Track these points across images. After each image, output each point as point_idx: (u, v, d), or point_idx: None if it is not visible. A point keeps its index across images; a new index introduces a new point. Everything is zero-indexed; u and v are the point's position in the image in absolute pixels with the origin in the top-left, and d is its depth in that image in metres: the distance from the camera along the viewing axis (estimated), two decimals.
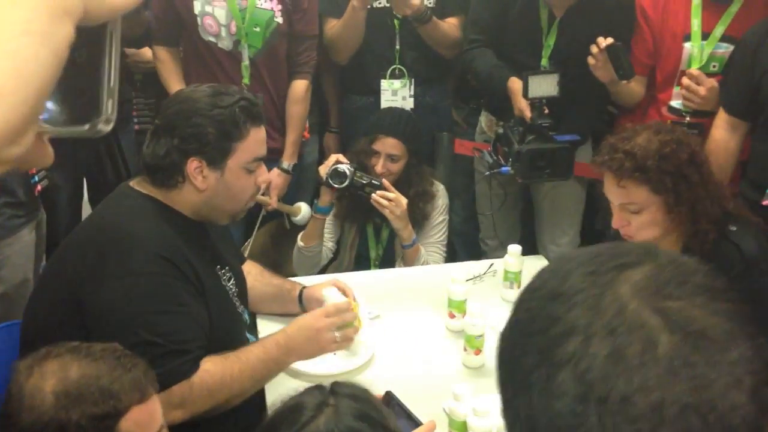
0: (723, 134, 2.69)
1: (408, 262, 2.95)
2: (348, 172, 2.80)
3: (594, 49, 2.75)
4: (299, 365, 2.15)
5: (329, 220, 3.06)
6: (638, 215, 2.11)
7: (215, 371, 1.85)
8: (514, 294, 2.54)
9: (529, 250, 3.21)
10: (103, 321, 1.80)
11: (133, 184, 2.02)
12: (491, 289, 2.65)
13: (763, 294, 2.09)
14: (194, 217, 2.01)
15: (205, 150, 1.92)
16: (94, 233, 1.93)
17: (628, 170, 2.06)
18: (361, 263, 3.10)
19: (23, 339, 1.95)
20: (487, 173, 2.97)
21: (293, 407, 1.29)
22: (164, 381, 1.77)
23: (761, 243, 2.11)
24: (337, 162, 2.83)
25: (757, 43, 2.61)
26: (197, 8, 3.03)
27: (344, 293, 2.33)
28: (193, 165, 1.92)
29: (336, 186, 2.81)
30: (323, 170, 2.85)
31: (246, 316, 2.22)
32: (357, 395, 1.30)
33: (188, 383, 1.81)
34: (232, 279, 2.16)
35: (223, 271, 2.11)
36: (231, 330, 2.08)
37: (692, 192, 2.07)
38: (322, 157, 3.55)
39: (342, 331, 2.05)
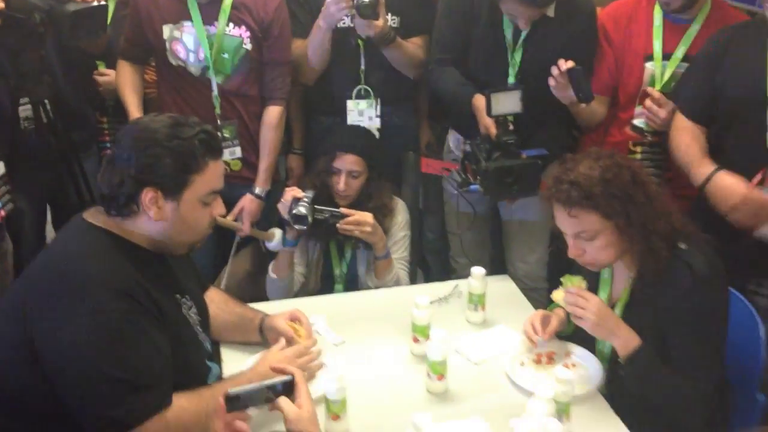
0: (687, 122, 2.69)
1: (380, 275, 2.96)
2: (307, 213, 2.79)
3: (555, 71, 2.77)
4: None
5: None
6: (592, 242, 2.13)
7: (190, 408, 1.84)
8: (478, 316, 2.55)
9: (498, 267, 3.23)
10: (65, 362, 1.77)
11: (87, 216, 1.99)
12: (457, 310, 2.65)
13: (716, 313, 2.12)
14: (150, 248, 1.99)
15: (161, 181, 1.90)
16: (48, 271, 1.89)
17: (576, 199, 2.08)
18: (327, 281, 3.10)
19: None
20: (456, 192, 2.97)
21: None
22: (135, 418, 1.76)
23: (711, 260, 2.13)
24: (294, 200, 2.81)
25: (718, 52, 2.63)
26: (166, 33, 3.04)
27: (301, 324, 2.33)
28: (148, 195, 1.90)
29: (300, 228, 2.82)
30: (282, 209, 2.84)
31: (207, 345, 2.19)
32: None
33: (163, 419, 1.79)
34: (193, 307, 2.14)
35: (183, 299, 2.09)
36: (192, 359, 2.06)
37: (640, 212, 2.09)
38: (287, 178, 3.54)
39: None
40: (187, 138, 1.91)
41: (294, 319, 2.35)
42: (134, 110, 3.13)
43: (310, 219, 2.79)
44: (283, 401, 1.70)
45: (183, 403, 1.84)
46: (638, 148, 2.95)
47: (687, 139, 2.67)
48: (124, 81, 3.18)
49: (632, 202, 2.08)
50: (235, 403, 1.69)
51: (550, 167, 3.06)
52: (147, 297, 1.89)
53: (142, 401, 1.78)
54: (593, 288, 2.32)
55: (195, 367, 2.06)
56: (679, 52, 2.84)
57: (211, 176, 1.96)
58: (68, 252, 1.92)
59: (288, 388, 1.75)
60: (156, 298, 1.92)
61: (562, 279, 2.33)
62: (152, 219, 1.92)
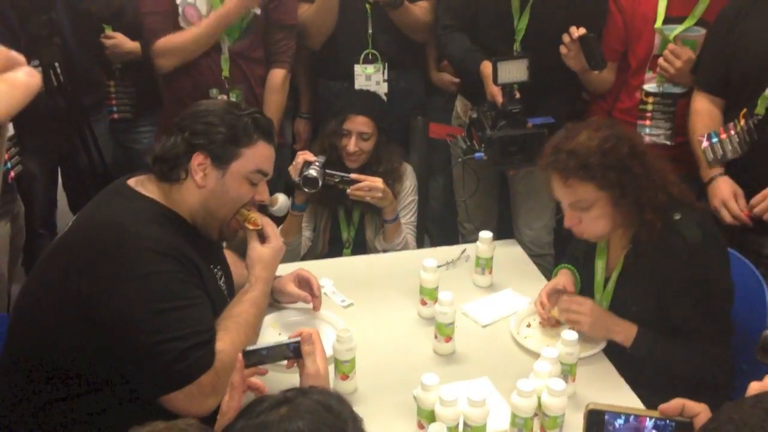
0: (705, 104, 2.73)
1: (389, 238, 2.99)
2: (318, 176, 2.81)
3: (566, 38, 2.77)
4: None
5: None
6: (588, 212, 2.14)
7: (228, 348, 1.87)
8: (485, 280, 2.58)
9: (506, 233, 3.25)
10: (122, 324, 1.80)
11: (132, 183, 2.01)
12: (464, 273, 2.67)
13: (714, 278, 2.14)
14: (191, 222, 2.01)
15: (212, 147, 1.95)
16: (98, 235, 1.89)
17: (572, 169, 2.09)
18: (335, 246, 3.13)
19: (11, 338, 1.95)
20: (461, 159, 2.99)
21: (257, 400, 1.29)
22: (193, 373, 1.80)
23: (705, 229, 2.14)
24: (305, 163, 2.83)
25: (732, 21, 2.64)
26: None
27: (309, 283, 2.36)
28: (197, 159, 1.95)
29: (310, 192, 2.84)
30: (293, 171, 2.86)
31: None
32: (324, 402, 1.26)
33: (214, 371, 1.83)
34: (224, 277, 2.16)
35: (216, 269, 2.12)
36: None
37: (636, 183, 2.10)
38: (294, 142, 3.55)
39: None
40: (241, 115, 1.99)
41: (301, 278, 2.38)
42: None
43: (320, 182, 2.81)
44: (309, 357, 1.73)
45: (219, 346, 1.87)
46: (650, 99, 2.95)
47: (700, 129, 2.69)
48: (185, 32, 3.08)
49: (628, 173, 2.09)
50: (253, 358, 1.72)
51: (554, 135, 3.09)
52: (191, 264, 1.93)
53: (197, 357, 1.81)
54: (592, 255, 2.36)
55: None
56: (698, 10, 2.82)
57: (260, 154, 2.01)
58: (118, 217, 1.92)
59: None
60: (198, 267, 1.96)
61: (554, 270, 2.40)
62: (197, 184, 1.96)
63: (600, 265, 2.33)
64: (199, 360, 1.82)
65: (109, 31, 3.37)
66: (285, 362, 1.79)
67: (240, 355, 1.71)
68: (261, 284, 2.04)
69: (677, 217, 2.14)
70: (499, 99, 2.78)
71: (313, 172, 2.81)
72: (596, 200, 2.11)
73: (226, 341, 1.88)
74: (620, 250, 2.27)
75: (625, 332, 2.17)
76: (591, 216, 2.15)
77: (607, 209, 2.13)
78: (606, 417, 1.33)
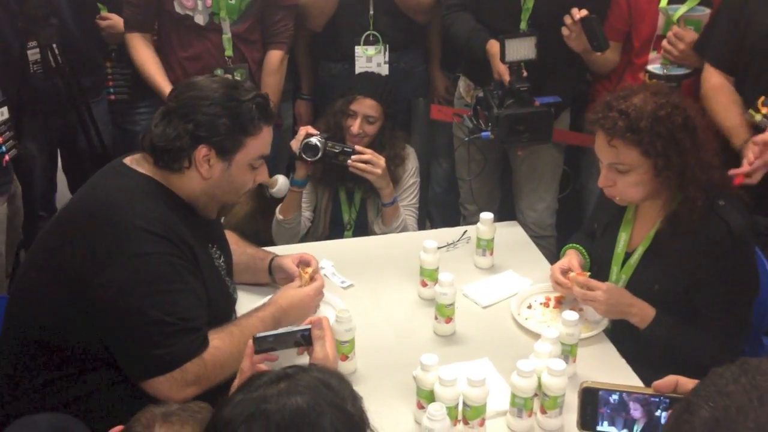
0: (721, 79, 2.67)
1: (387, 221, 2.98)
2: (319, 144, 2.81)
3: (568, 20, 2.74)
4: None
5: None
6: (625, 176, 2.09)
7: (224, 347, 1.88)
8: (486, 261, 2.57)
9: (508, 214, 3.23)
10: (110, 303, 1.80)
11: (128, 161, 1.99)
12: (465, 255, 2.65)
13: (749, 270, 2.13)
14: (188, 203, 2.00)
15: (217, 139, 1.91)
16: (93, 213, 1.88)
17: (620, 130, 2.03)
18: (336, 227, 3.11)
19: (10, 318, 1.95)
20: (467, 138, 2.97)
21: (257, 375, 1.29)
22: (177, 359, 1.80)
23: (747, 219, 2.11)
24: (308, 135, 2.83)
25: None
26: None
27: (309, 265, 2.35)
28: (202, 152, 1.91)
29: (309, 159, 2.83)
30: (295, 145, 2.85)
31: (235, 295, 2.23)
32: (324, 380, 1.25)
33: (201, 361, 1.83)
34: (222, 257, 2.16)
35: (213, 248, 2.11)
36: (222, 308, 2.08)
37: (682, 158, 2.04)
38: (295, 124, 3.54)
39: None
40: (244, 101, 1.93)
41: (303, 261, 2.37)
42: (166, 87, 3.01)
43: (320, 151, 2.80)
44: (318, 342, 1.74)
45: (217, 343, 1.88)
46: (654, 81, 2.91)
47: (725, 101, 2.61)
48: (146, 59, 3.09)
49: (677, 145, 2.03)
50: (264, 345, 1.72)
51: (560, 115, 3.07)
52: (186, 245, 1.92)
53: (183, 343, 1.82)
54: (615, 226, 2.31)
55: (223, 318, 2.07)
56: None
57: (263, 141, 1.99)
58: (113, 195, 1.91)
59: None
60: (193, 248, 1.94)
61: (562, 250, 2.39)
62: (202, 176, 1.94)
63: (623, 238, 2.28)
64: (185, 347, 1.82)
65: (104, 12, 3.34)
66: (295, 349, 1.78)
67: (250, 341, 1.71)
68: (275, 309, 2.07)
69: (721, 203, 2.08)
70: (506, 77, 2.76)
71: (314, 139, 2.81)
72: (637, 166, 2.06)
73: (226, 342, 1.89)
74: (649, 226, 2.22)
75: (642, 315, 2.13)
76: (628, 181, 2.09)
77: (646, 177, 2.07)
78: (600, 394, 1.32)
